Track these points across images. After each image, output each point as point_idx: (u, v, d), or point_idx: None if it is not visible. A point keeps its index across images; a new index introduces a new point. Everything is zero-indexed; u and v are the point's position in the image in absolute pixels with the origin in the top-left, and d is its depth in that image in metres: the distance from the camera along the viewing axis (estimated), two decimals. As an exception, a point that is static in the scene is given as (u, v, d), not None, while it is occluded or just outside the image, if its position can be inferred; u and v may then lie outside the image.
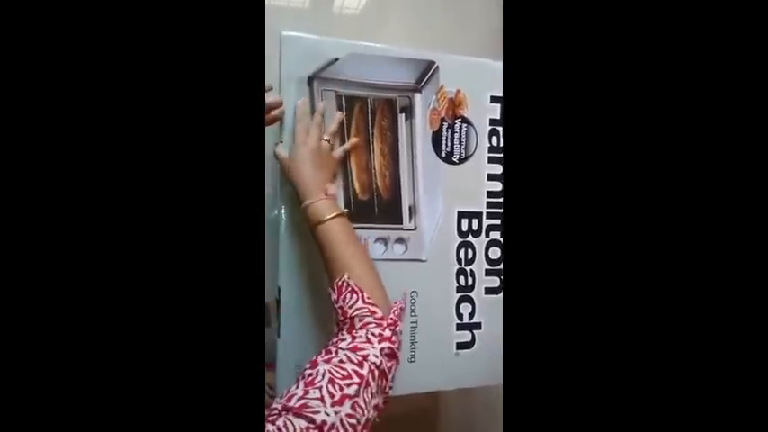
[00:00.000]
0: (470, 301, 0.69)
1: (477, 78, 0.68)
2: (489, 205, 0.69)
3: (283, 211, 0.61)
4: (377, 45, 0.64)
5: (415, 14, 0.81)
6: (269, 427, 0.37)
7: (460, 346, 0.69)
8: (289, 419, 0.38)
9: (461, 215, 0.68)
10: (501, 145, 0.69)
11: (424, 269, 0.67)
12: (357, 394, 0.42)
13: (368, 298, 0.50)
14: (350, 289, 0.50)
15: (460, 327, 0.69)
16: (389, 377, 0.48)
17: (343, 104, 0.62)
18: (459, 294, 0.68)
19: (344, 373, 0.43)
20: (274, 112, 0.59)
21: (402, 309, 0.55)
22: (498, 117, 0.69)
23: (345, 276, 0.51)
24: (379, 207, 0.64)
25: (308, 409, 0.39)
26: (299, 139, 0.58)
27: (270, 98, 0.59)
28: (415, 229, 0.66)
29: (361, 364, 0.45)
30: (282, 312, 0.62)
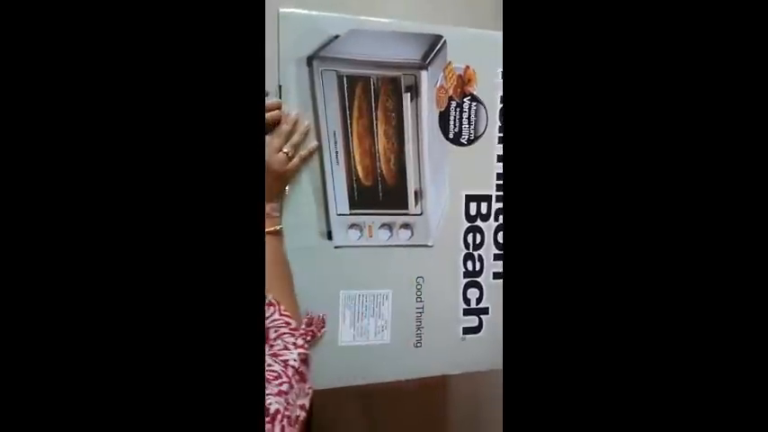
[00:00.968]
0: (478, 286, 0.67)
1: (487, 52, 0.63)
2: (499, 188, 0.66)
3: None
4: (380, 20, 0.60)
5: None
6: None
7: (467, 330, 0.68)
8: None
9: (469, 199, 0.66)
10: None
11: (431, 254, 0.65)
12: (288, 392, 0.47)
13: (284, 310, 0.54)
14: (268, 302, 0.53)
15: (467, 312, 0.68)
16: (307, 380, 0.52)
17: (345, 85, 0.59)
18: (467, 279, 0.67)
19: (275, 374, 0.47)
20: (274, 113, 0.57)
21: (322, 322, 0.61)
22: (510, 94, 0.65)
23: (268, 295, 0.54)
24: (384, 192, 0.62)
25: None
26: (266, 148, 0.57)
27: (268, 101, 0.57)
28: (421, 214, 0.64)
29: (285, 367, 0.49)
30: None
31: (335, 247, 0.62)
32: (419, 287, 0.65)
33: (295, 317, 0.54)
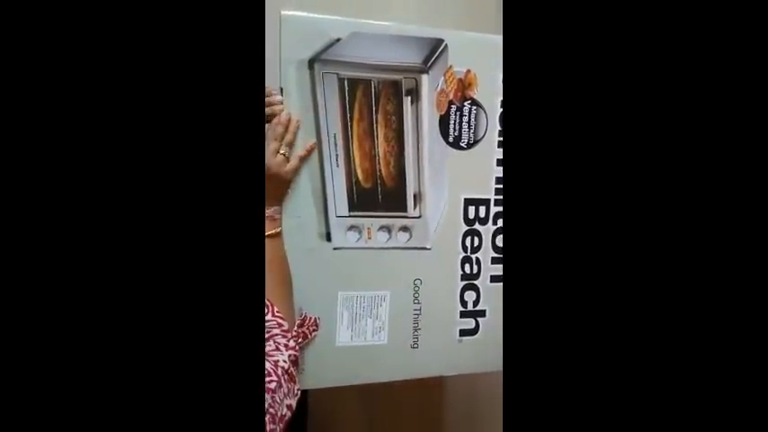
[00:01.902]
0: (475, 288, 0.68)
1: (488, 57, 0.63)
2: (498, 192, 0.67)
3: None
4: (381, 23, 0.60)
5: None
6: None
7: (464, 332, 0.68)
8: None
9: (468, 202, 0.66)
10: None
11: (429, 257, 0.65)
12: (275, 390, 0.48)
13: (277, 312, 0.54)
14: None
15: (464, 314, 0.68)
16: (296, 381, 0.53)
17: (346, 88, 0.59)
18: (464, 282, 0.67)
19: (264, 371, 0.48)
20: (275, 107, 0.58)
21: (315, 324, 0.61)
22: (510, 98, 0.65)
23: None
24: (383, 195, 0.63)
25: None
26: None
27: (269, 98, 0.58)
28: (419, 216, 0.64)
29: (275, 366, 0.50)
30: None
31: (334, 249, 0.62)
32: (417, 289, 0.66)
33: (288, 319, 0.55)
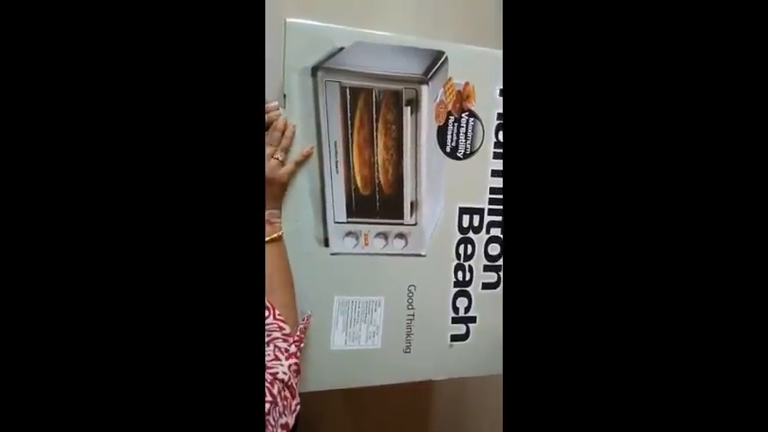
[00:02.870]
0: (467, 295, 0.70)
1: (486, 70, 0.65)
2: (491, 201, 0.68)
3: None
4: (384, 34, 0.61)
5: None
6: None
7: (455, 338, 0.70)
8: None
9: (463, 211, 0.68)
10: (507, 140, 0.68)
11: (423, 264, 0.67)
12: (268, 413, 0.44)
13: (278, 315, 0.52)
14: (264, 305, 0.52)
15: (456, 320, 0.70)
16: (296, 393, 0.50)
17: (348, 96, 0.60)
18: (457, 289, 0.69)
19: None
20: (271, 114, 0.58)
21: (305, 327, 0.58)
22: (506, 111, 0.67)
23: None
24: (381, 202, 0.64)
25: None
26: None
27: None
28: (415, 224, 0.66)
29: (272, 383, 0.46)
30: None
31: (332, 254, 0.63)
32: (411, 295, 0.67)
33: (290, 323, 0.54)
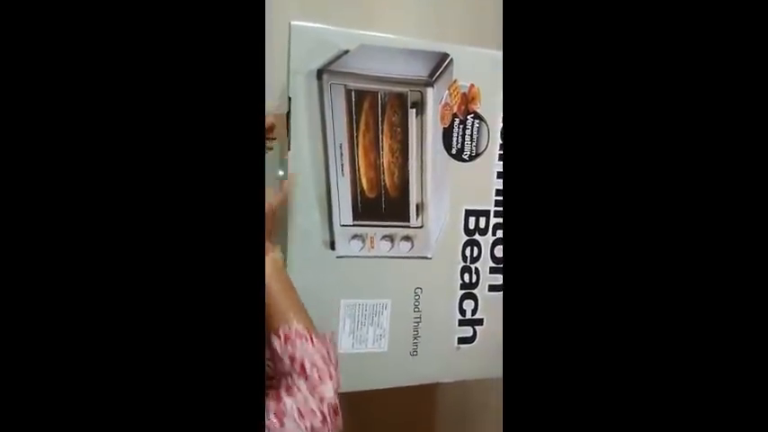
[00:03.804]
0: (473, 297, 0.69)
1: (491, 72, 0.65)
2: (497, 203, 0.68)
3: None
4: (389, 36, 0.61)
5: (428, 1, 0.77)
6: None
7: (462, 340, 0.70)
8: None
9: (468, 213, 0.67)
10: (512, 142, 0.68)
11: (430, 266, 0.67)
12: (322, 428, 0.45)
13: (316, 342, 0.51)
14: (299, 335, 0.51)
15: (463, 322, 0.70)
16: (339, 414, 0.50)
17: (353, 99, 0.60)
18: (463, 291, 0.69)
19: (309, 408, 0.46)
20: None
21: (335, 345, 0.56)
22: (511, 113, 0.67)
23: (294, 324, 0.51)
24: (387, 205, 0.64)
25: None
26: None
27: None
28: (421, 227, 0.65)
29: (321, 402, 0.47)
30: None
31: (338, 257, 0.63)
32: (417, 297, 0.67)
33: (323, 345, 0.52)
